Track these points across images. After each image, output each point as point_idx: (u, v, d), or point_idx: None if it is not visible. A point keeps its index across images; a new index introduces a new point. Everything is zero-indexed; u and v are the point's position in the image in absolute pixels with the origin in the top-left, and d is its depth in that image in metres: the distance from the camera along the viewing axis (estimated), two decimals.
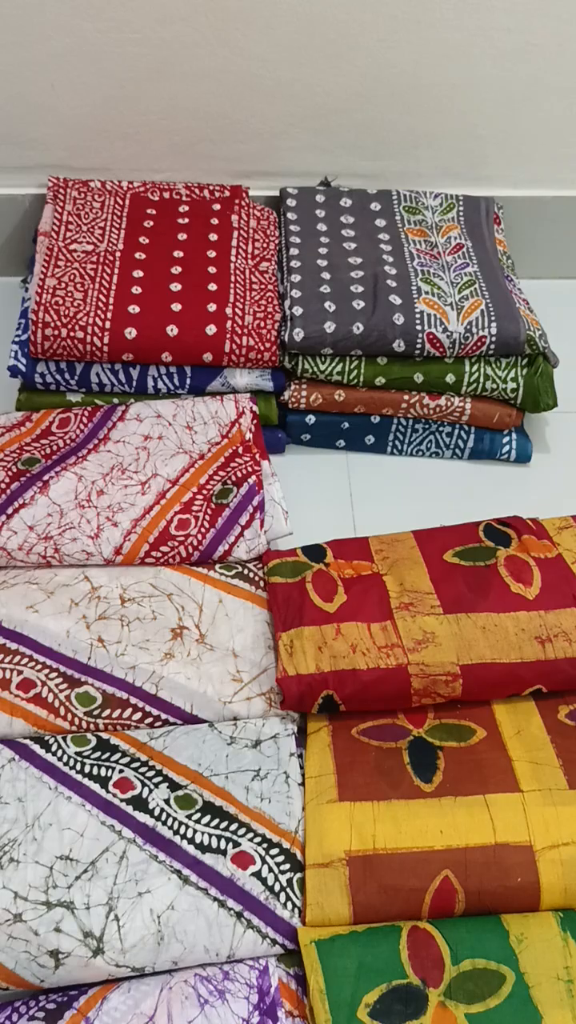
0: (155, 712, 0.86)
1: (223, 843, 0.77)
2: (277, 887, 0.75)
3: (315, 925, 0.74)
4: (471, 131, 1.28)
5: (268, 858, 0.76)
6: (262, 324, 1.12)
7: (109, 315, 1.10)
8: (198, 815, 0.79)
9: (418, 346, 1.12)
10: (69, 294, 1.11)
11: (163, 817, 0.78)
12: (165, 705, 0.87)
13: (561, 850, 0.76)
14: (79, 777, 0.81)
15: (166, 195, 1.27)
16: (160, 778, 0.81)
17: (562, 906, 0.75)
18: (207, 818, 0.78)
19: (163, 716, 0.86)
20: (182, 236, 1.20)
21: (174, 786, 0.81)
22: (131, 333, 1.09)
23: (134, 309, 1.11)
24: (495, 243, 1.25)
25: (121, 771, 0.82)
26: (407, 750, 0.84)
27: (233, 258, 1.19)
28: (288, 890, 0.75)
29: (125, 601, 0.94)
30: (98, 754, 0.83)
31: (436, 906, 0.74)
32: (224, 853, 0.76)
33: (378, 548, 0.98)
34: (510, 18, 1.17)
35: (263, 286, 1.17)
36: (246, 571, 0.98)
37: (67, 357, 1.11)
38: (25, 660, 0.89)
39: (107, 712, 0.86)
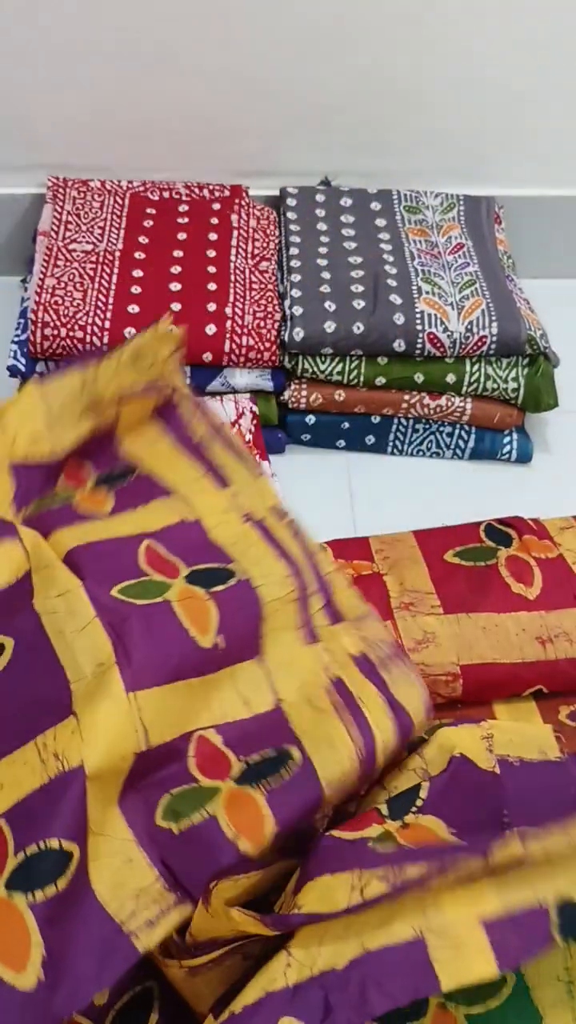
0: None
1: None
2: None
3: None
4: (472, 130, 1.28)
5: None
6: (262, 324, 1.11)
7: (109, 315, 1.10)
8: None
9: (419, 346, 1.12)
10: (68, 294, 1.11)
11: None
12: None
13: None
14: None
15: (166, 195, 1.27)
16: None
17: None
18: None
19: None
20: (182, 236, 1.20)
21: None
22: (131, 333, 1.09)
23: (134, 309, 1.11)
24: (496, 243, 1.25)
25: None
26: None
27: (233, 258, 1.18)
28: None
29: None
30: None
31: None
32: None
33: (378, 548, 0.98)
34: (510, 17, 1.17)
35: (263, 286, 1.16)
36: None
37: (67, 357, 1.10)
38: None
39: None
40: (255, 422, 1.12)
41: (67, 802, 0.63)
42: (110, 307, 1.10)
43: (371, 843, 0.66)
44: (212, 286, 1.14)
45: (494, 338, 1.12)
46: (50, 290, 1.11)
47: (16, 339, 1.12)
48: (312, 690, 0.73)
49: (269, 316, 1.12)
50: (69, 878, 0.61)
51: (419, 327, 1.12)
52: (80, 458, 0.88)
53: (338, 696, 0.74)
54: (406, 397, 1.14)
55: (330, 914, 0.58)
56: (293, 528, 0.85)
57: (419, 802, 0.70)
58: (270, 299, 1.15)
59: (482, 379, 1.13)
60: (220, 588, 0.76)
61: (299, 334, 1.10)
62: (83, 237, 1.18)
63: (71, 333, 1.08)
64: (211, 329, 1.10)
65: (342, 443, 1.19)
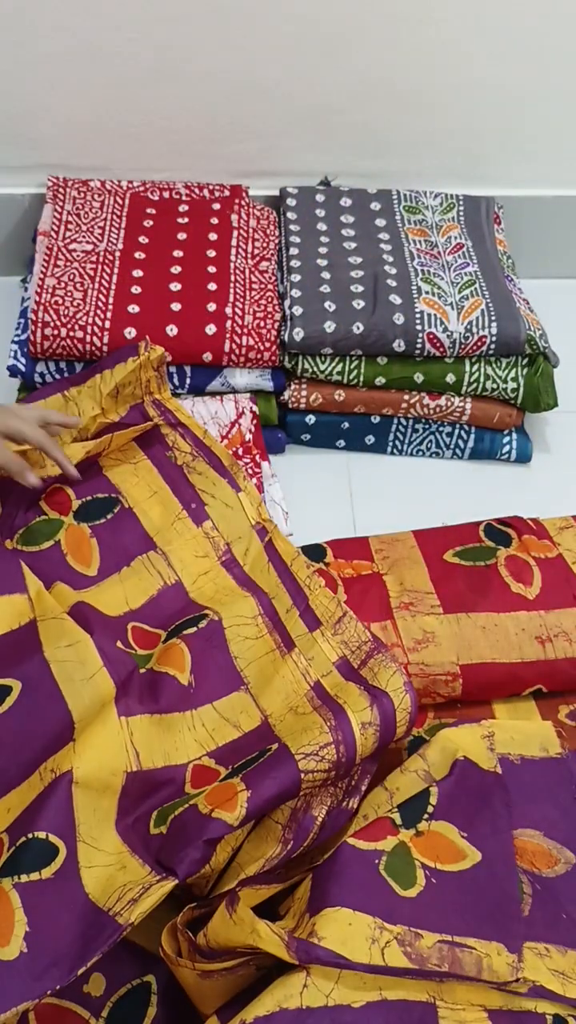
0: None
1: None
2: None
3: None
4: (471, 131, 1.28)
5: None
6: (262, 324, 1.11)
7: (109, 315, 1.10)
8: None
9: (418, 346, 1.12)
10: (69, 294, 1.11)
11: None
12: None
13: None
14: None
15: (166, 195, 1.27)
16: None
17: None
18: None
19: None
20: (182, 236, 1.20)
21: None
22: (131, 333, 1.09)
23: (134, 309, 1.11)
24: (495, 243, 1.25)
25: None
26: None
27: (233, 258, 1.18)
28: None
29: None
30: None
31: None
32: None
33: (378, 548, 0.98)
34: (510, 19, 1.17)
35: (263, 286, 1.16)
36: None
37: (67, 357, 1.10)
38: None
39: None
40: (255, 422, 1.12)
41: (54, 801, 0.68)
42: (110, 307, 1.10)
43: (385, 862, 0.68)
44: (212, 286, 1.14)
45: (494, 338, 1.12)
46: (50, 290, 1.11)
47: (16, 339, 1.13)
48: (295, 699, 0.80)
49: (269, 316, 1.12)
50: (55, 870, 0.65)
51: (419, 327, 1.12)
52: (60, 482, 0.95)
53: (318, 699, 0.79)
54: (406, 397, 1.15)
55: (353, 964, 0.61)
56: (270, 546, 0.93)
57: (430, 808, 0.71)
58: (270, 299, 1.15)
59: (482, 379, 1.13)
60: (191, 631, 0.84)
61: (299, 334, 1.10)
62: (83, 237, 1.18)
63: (71, 333, 1.08)
64: (211, 329, 1.10)
65: (342, 443, 1.19)
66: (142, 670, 0.80)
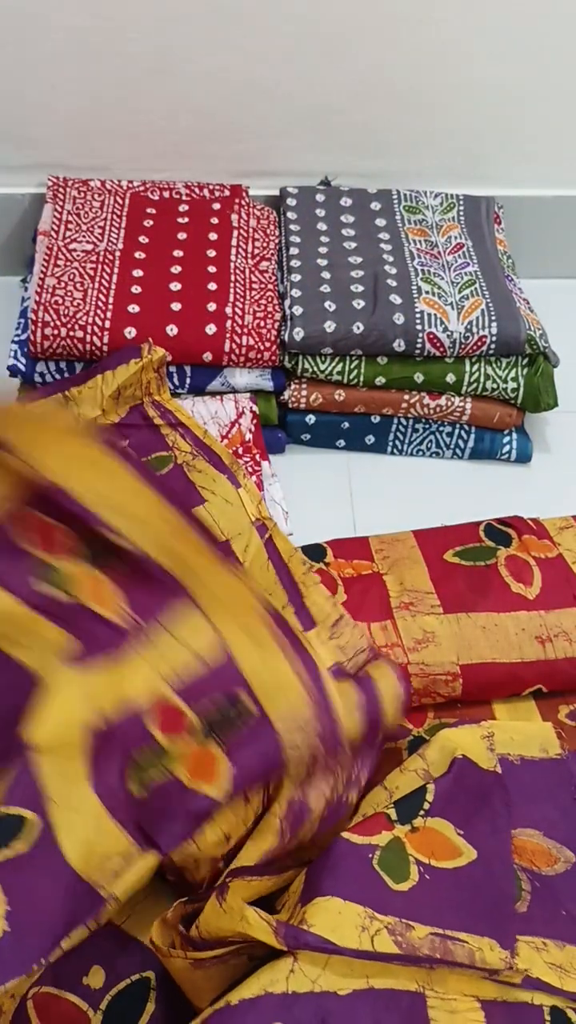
0: None
1: None
2: None
3: None
4: (471, 130, 1.28)
5: None
6: (262, 323, 1.11)
7: (109, 315, 1.10)
8: None
9: (418, 346, 1.12)
10: (69, 293, 1.11)
11: None
12: None
13: None
14: None
15: (166, 194, 1.27)
16: None
17: None
18: None
19: None
20: (182, 236, 1.20)
21: None
22: (131, 333, 1.09)
23: (134, 309, 1.11)
24: (495, 243, 1.25)
25: None
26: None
27: (233, 257, 1.19)
28: None
29: None
30: None
31: None
32: None
33: (378, 547, 0.98)
34: (510, 18, 1.17)
35: (263, 285, 1.16)
36: None
37: (67, 357, 1.11)
38: None
39: None
40: (255, 422, 1.12)
41: (19, 774, 0.66)
42: (110, 307, 1.10)
43: (379, 856, 0.68)
44: (212, 286, 1.14)
45: (494, 338, 1.12)
46: (50, 290, 1.11)
47: (16, 339, 1.13)
48: (257, 630, 0.76)
49: (269, 316, 1.12)
50: (31, 842, 0.63)
51: (419, 327, 1.12)
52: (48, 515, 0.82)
53: (280, 631, 0.76)
54: (406, 397, 1.15)
55: (341, 949, 0.60)
56: (270, 543, 0.92)
57: (426, 805, 0.71)
58: (270, 299, 1.15)
59: (482, 379, 1.13)
60: None
61: (299, 334, 1.10)
62: (83, 237, 1.18)
63: (71, 333, 1.08)
64: (211, 329, 1.10)
65: (342, 443, 1.19)
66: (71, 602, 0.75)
